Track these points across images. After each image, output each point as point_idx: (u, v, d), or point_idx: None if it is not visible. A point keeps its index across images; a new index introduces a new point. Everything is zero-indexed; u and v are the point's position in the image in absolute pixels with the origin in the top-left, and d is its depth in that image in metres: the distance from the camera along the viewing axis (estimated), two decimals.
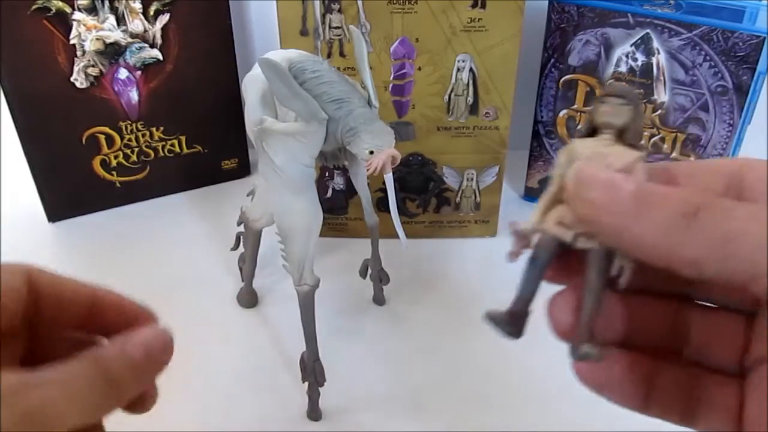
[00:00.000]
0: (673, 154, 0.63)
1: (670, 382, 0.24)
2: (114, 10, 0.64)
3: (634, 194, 0.20)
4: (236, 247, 0.59)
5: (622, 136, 0.24)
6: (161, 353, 0.24)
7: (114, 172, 0.71)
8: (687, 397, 0.24)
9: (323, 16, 0.57)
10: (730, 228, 0.18)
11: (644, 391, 0.24)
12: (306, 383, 0.49)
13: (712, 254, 0.19)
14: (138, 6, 0.64)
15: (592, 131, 0.24)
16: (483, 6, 0.56)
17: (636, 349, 0.24)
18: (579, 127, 0.27)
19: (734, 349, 0.23)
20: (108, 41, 0.65)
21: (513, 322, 0.23)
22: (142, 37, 0.66)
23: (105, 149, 0.69)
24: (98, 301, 0.26)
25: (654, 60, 0.60)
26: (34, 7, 0.60)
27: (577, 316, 0.22)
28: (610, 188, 0.20)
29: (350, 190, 0.66)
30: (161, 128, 0.71)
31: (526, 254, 0.24)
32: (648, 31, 0.59)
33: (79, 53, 0.64)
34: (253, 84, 0.48)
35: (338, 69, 0.52)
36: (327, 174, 0.65)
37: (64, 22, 0.62)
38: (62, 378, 0.22)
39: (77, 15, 0.62)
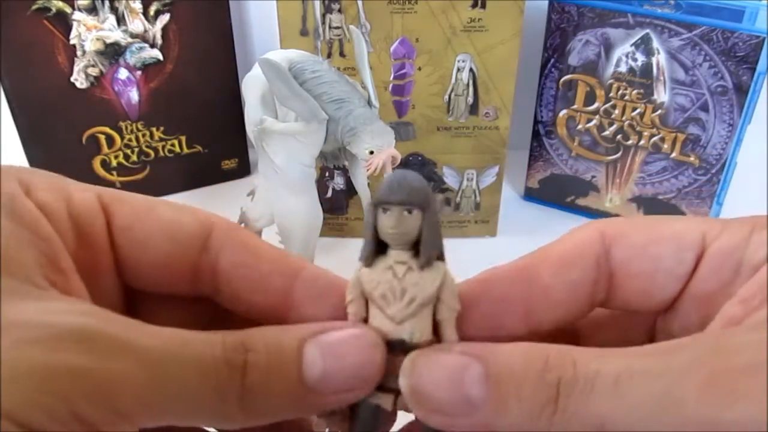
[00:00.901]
0: (673, 155, 0.63)
1: None
2: (114, 10, 0.64)
3: (485, 384, 0.17)
4: None
5: (417, 247, 0.19)
6: (351, 377, 0.18)
7: (114, 172, 0.71)
8: None
9: (323, 16, 0.57)
10: (599, 414, 0.16)
11: None
12: None
13: None
14: (138, 6, 0.64)
15: (380, 246, 0.19)
16: (483, 6, 0.56)
17: None
18: (363, 249, 0.20)
19: None
20: (108, 41, 0.65)
21: None
22: (142, 37, 0.66)
23: (105, 149, 0.69)
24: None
25: (654, 60, 0.60)
26: (34, 7, 0.60)
27: None
28: (455, 386, 0.17)
29: (350, 190, 0.66)
30: (161, 128, 0.71)
31: None
32: (648, 31, 0.59)
33: (79, 53, 0.64)
34: (253, 84, 0.48)
35: (338, 69, 0.52)
36: (327, 174, 0.65)
37: (64, 22, 0.62)
38: (190, 350, 0.16)
39: (77, 15, 0.62)
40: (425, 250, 0.19)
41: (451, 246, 0.19)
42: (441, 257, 0.19)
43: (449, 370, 0.17)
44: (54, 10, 0.61)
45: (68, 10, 0.62)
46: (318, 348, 0.18)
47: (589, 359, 0.17)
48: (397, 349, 0.19)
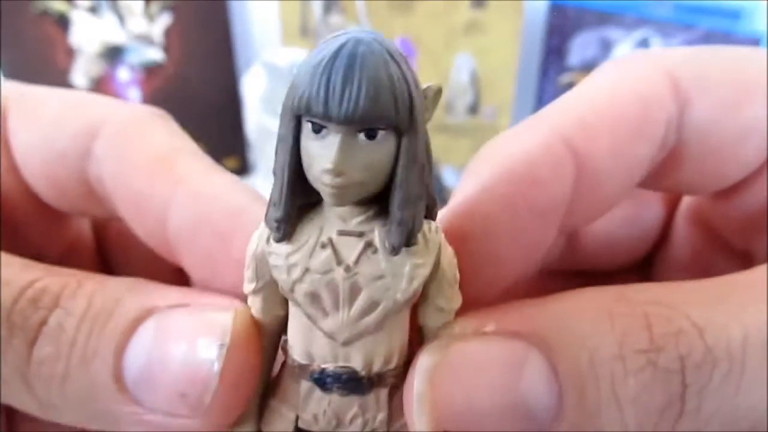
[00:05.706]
0: None
1: None
2: (114, 10, 0.64)
3: (554, 383, 0.10)
4: None
5: (380, 199, 0.10)
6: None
7: None
8: None
9: (323, 16, 0.57)
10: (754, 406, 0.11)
11: None
12: None
13: None
14: (139, 6, 0.64)
15: (303, 195, 0.11)
16: (483, 6, 0.56)
17: None
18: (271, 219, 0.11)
19: None
20: (108, 41, 0.65)
21: None
22: (143, 38, 0.66)
23: None
24: None
25: None
26: (34, 7, 0.60)
27: None
28: (508, 396, 0.10)
29: None
30: None
31: None
32: (647, 31, 0.59)
33: (79, 53, 0.64)
34: (253, 84, 0.48)
35: None
36: None
37: (64, 22, 0.62)
38: None
39: (77, 15, 0.62)
40: (403, 217, 0.09)
41: None
42: (430, 214, 0.10)
43: (494, 371, 0.10)
44: (54, 10, 0.61)
45: (68, 10, 0.62)
46: (153, 329, 0.11)
47: (718, 316, 0.10)
48: (336, 385, 0.11)
